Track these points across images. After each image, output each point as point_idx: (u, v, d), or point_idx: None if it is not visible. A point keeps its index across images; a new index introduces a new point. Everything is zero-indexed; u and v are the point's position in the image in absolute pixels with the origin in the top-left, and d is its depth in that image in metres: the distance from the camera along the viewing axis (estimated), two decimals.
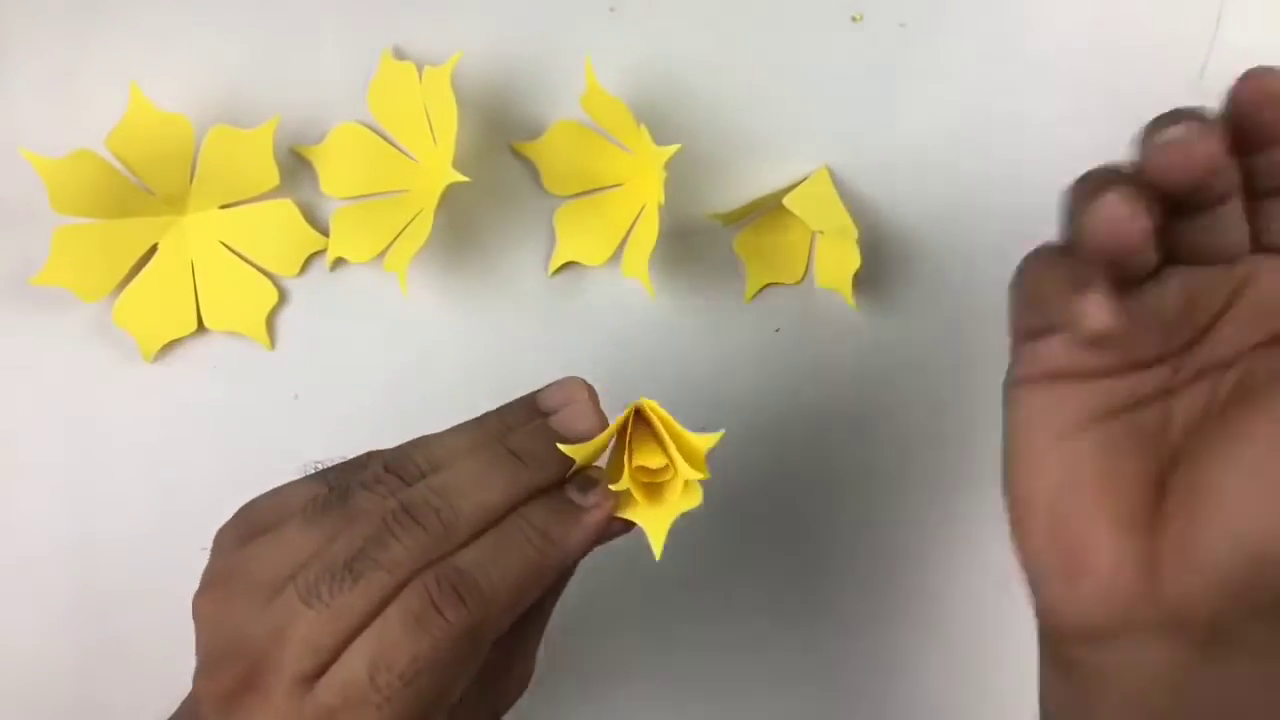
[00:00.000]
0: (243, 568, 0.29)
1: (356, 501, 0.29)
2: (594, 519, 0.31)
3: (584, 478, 0.31)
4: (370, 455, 0.31)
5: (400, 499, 0.29)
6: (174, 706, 0.31)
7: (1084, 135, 0.43)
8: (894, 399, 0.43)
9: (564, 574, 0.32)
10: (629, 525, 0.32)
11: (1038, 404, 0.28)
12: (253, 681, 0.27)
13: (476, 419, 0.32)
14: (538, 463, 0.30)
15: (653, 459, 0.31)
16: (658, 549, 0.31)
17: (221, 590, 0.29)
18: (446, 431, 0.32)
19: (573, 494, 0.31)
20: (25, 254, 0.42)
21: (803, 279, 0.43)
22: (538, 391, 0.33)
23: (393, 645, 0.27)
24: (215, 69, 0.43)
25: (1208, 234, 0.26)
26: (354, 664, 0.27)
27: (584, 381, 0.32)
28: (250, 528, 0.30)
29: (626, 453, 0.31)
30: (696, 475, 0.30)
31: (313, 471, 0.31)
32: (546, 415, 0.32)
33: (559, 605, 0.34)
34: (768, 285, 0.43)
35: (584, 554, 0.31)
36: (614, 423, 0.31)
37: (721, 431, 0.30)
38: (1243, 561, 0.24)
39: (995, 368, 0.43)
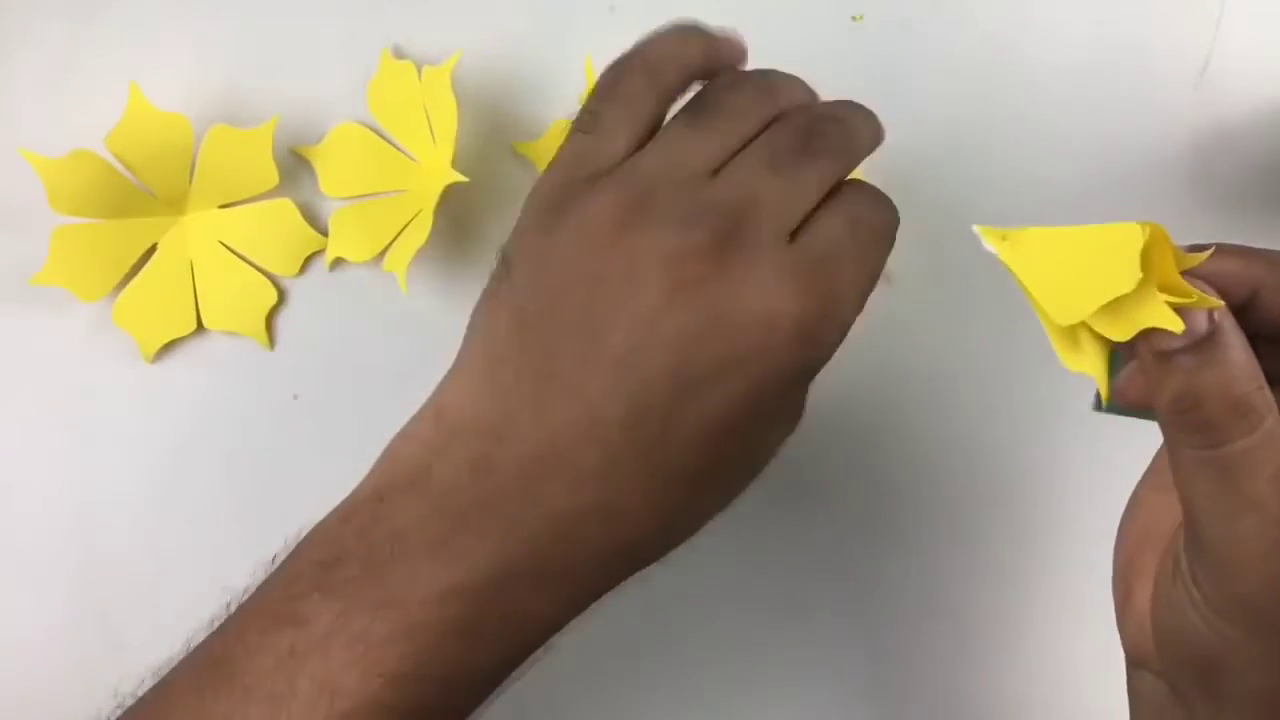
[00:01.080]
0: (652, 167, 0.29)
1: (732, 104, 0.30)
2: None
3: None
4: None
5: (803, 117, 0.30)
6: None
7: (1084, 135, 0.43)
8: (894, 399, 0.43)
9: None
10: None
11: (1160, 460, 0.30)
12: (734, 235, 0.28)
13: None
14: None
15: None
16: (1105, 390, 0.26)
17: (644, 185, 0.28)
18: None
19: None
20: (25, 254, 0.42)
21: None
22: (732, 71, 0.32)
23: (868, 210, 0.29)
24: (215, 69, 0.43)
25: None
26: (835, 222, 0.28)
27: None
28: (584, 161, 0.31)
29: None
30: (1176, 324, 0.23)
31: None
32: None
33: None
34: None
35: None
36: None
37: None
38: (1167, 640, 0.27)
39: (995, 367, 0.43)
